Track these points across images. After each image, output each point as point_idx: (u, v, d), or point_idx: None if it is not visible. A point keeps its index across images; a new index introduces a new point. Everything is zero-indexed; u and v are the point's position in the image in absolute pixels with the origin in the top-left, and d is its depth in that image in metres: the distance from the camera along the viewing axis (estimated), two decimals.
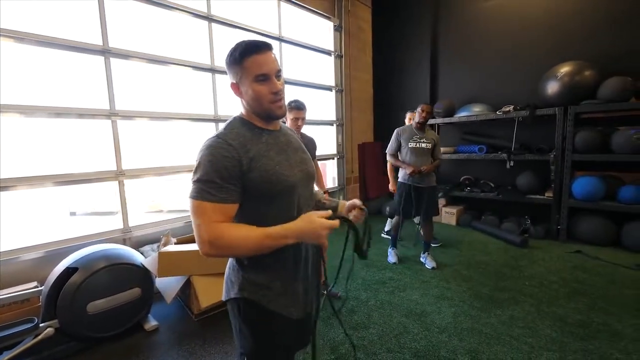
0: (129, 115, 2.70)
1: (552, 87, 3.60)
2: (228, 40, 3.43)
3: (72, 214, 3.48)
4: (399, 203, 3.05)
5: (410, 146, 2.96)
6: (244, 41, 0.88)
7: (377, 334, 2.08)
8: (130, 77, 2.75)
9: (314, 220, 0.82)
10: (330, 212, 0.89)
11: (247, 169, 0.85)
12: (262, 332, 0.95)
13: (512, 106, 3.98)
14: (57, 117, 2.40)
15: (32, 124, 2.37)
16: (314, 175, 1.04)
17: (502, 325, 2.12)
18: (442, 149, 4.47)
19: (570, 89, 3.48)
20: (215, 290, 2.20)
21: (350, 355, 1.88)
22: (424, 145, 2.96)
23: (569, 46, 3.87)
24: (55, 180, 2.37)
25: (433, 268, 3.05)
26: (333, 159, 5.09)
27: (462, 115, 4.39)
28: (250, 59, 0.85)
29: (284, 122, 2.25)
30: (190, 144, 3.20)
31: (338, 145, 5.07)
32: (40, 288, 2.06)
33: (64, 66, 2.43)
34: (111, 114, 2.59)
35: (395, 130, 3.07)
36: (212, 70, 3.29)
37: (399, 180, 3.11)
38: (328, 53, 4.82)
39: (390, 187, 3.36)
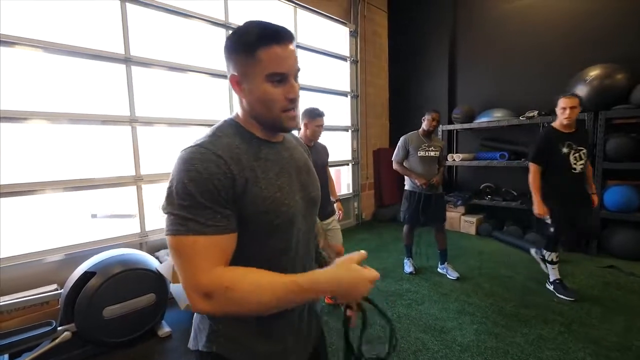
0: (148, 122, 2.75)
1: (580, 92, 3.42)
2: None
3: (94, 216, 3.58)
4: (408, 211, 3.00)
5: (419, 155, 2.90)
6: (256, 22, 0.65)
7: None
8: (149, 84, 2.80)
9: (356, 270, 0.63)
10: (363, 252, 0.68)
11: (241, 191, 0.64)
12: None
13: (537, 111, 3.81)
14: (81, 123, 2.47)
15: (56, 130, 2.44)
16: (318, 201, 0.83)
17: (530, 346, 1.98)
18: (461, 156, 4.35)
19: (600, 93, 3.30)
20: None
21: None
22: (432, 153, 2.92)
23: (597, 48, 3.68)
24: (77, 184, 2.42)
25: (458, 278, 2.93)
26: (348, 165, 5.03)
27: (482, 120, 4.24)
28: (267, 50, 0.63)
29: (298, 130, 2.22)
30: None
31: (353, 151, 5.01)
32: (59, 291, 2.10)
33: (85, 74, 2.50)
34: (132, 120, 2.64)
35: (402, 138, 2.99)
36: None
37: (406, 188, 3.06)
38: (344, 59, 4.80)
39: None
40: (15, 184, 2.20)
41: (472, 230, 4.34)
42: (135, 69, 2.65)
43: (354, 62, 4.87)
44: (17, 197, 2.23)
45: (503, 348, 1.97)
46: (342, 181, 5.23)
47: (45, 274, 2.28)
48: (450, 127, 4.60)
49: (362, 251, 0.69)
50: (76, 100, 2.46)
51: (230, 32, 0.70)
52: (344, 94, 4.83)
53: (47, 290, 2.16)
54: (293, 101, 0.69)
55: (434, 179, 2.86)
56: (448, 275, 3.00)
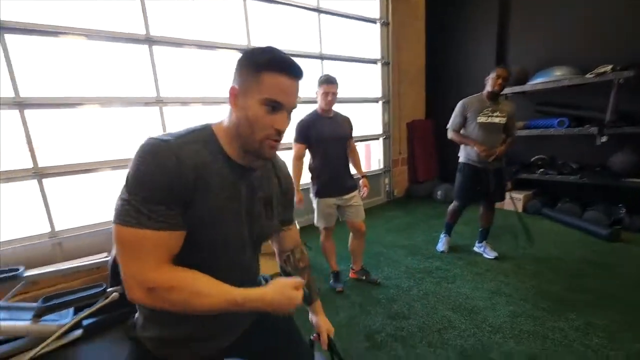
0: (173, 102, 2.85)
1: None
2: (265, 17, 3.37)
3: None
4: (461, 186, 2.66)
5: (479, 121, 2.45)
6: (275, 50, 0.68)
7: (418, 325, 1.90)
8: (174, 64, 2.86)
9: (283, 292, 0.69)
10: (301, 280, 0.73)
11: (189, 199, 0.64)
12: None
13: (610, 66, 3.18)
14: (129, 106, 2.64)
15: (106, 113, 2.63)
16: (267, 236, 0.86)
17: (575, 332, 1.76)
18: None
19: None
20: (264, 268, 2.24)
21: (386, 344, 1.75)
22: (496, 119, 2.44)
23: None
24: (124, 164, 2.62)
25: (496, 258, 2.68)
26: (378, 139, 4.79)
27: (537, 82, 3.70)
28: (272, 76, 0.65)
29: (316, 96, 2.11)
30: None
31: (384, 124, 4.74)
32: (107, 258, 2.34)
33: (112, 56, 2.61)
34: (157, 101, 2.75)
35: (460, 102, 2.55)
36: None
37: (461, 160, 2.68)
38: (372, 21, 4.41)
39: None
40: (75, 164, 2.48)
41: (519, 207, 3.94)
42: (157, 49, 2.72)
43: (385, 25, 4.45)
44: (78, 175, 2.50)
45: (542, 332, 1.77)
46: (373, 157, 5.04)
47: (100, 244, 2.54)
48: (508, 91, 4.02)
49: (298, 279, 0.74)
50: (101, 84, 2.59)
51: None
52: (373, 61, 4.51)
53: (99, 257, 2.42)
54: (279, 133, 0.70)
55: (498, 150, 2.45)
56: (485, 255, 2.77)
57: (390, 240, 3.28)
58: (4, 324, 1.71)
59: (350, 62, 4.25)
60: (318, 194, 2.20)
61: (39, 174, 2.32)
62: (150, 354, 0.77)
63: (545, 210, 3.69)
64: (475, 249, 2.88)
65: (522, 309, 2.01)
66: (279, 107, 0.67)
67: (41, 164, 2.33)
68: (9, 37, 2.14)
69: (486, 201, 2.68)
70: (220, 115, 0.75)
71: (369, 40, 4.48)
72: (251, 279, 0.87)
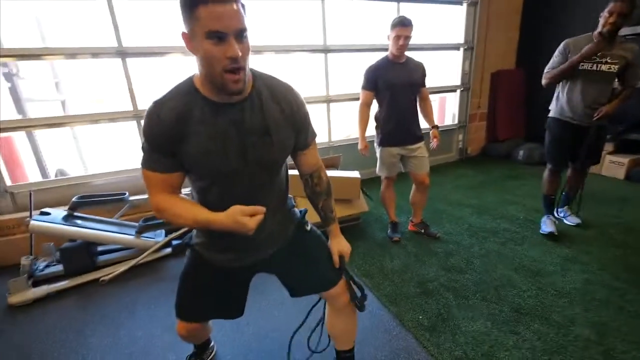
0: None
1: None
2: None
3: None
4: (553, 146, 2.28)
5: (582, 68, 2.01)
6: None
7: (474, 280, 1.92)
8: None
9: (239, 222, 0.77)
10: (258, 208, 0.79)
11: (177, 147, 0.79)
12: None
13: None
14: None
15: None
16: (267, 163, 0.87)
17: None
18: None
19: None
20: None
21: (437, 292, 1.84)
22: (605, 67, 1.99)
23: None
24: None
25: (578, 225, 2.43)
26: (455, 91, 4.38)
27: None
28: (204, 8, 0.65)
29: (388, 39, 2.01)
30: None
31: (464, 74, 4.28)
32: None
33: None
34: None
35: (564, 42, 2.10)
36: (325, 50, 3.35)
37: (551, 115, 2.28)
38: None
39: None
40: None
41: (621, 173, 3.37)
42: None
43: None
44: None
45: (617, 303, 1.65)
46: (447, 110, 4.68)
47: (186, 180, 3.02)
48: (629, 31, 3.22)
49: (258, 207, 0.79)
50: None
51: None
52: (459, 1, 3.97)
53: (185, 190, 2.87)
54: (234, 60, 0.69)
55: (606, 108, 2.02)
56: (565, 221, 2.52)
57: (457, 199, 3.17)
58: (117, 235, 2.22)
59: (430, 4, 3.81)
60: (382, 143, 2.22)
61: (138, 115, 2.77)
62: (200, 256, 1.01)
63: None
64: (558, 214, 2.58)
65: (598, 277, 1.86)
66: (223, 35, 0.67)
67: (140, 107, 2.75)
68: None
69: (579, 164, 2.29)
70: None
71: None
72: (272, 199, 0.95)
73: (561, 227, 2.46)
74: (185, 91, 0.78)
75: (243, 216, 0.77)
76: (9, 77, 2.95)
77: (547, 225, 2.37)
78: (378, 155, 2.28)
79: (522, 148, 4.23)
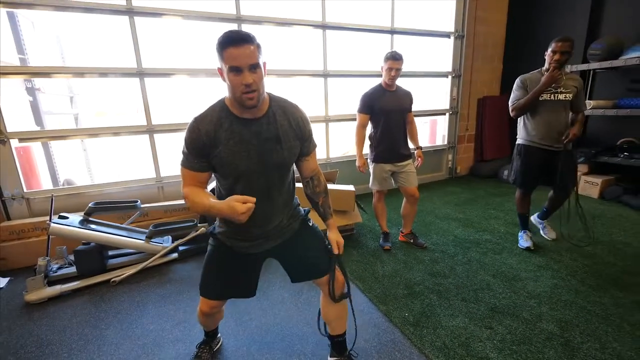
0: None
1: None
2: None
3: None
4: (521, 171, 2.46)
5: (542, 98, 2.25)
6: (226, 32, 0.95)
7: (456, 284, 2.12)
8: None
9: (232, 206, 0.94)
10: (251, 198, 0.96)
11: (210, 153, 1.03)
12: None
13: None
14: (213, 76, 3.13)
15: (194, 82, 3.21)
16: (280, 164, 1.11)
17: (618, 308, 1.80)
18: (592, 103, 3.53)
19: None
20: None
21: (422, 294, 2.03)
22: (562, 96, 2.24)
23: None
24: None
25: (553, 240, 2.66)
26: (444, 114, 4.72)
27: (633, 56, 3.26)
28: (227, 51, 0.92)
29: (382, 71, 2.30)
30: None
31: (452, 99, 4.64)
32: None
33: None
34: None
35: (519, 78, 2.35)
36: (325, 75, 3.66)
37: (521, 142, 2.47)
38: None
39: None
40: (176, 123, 3.12)
41: (595, 192, 3.65)
42: (245, 27, 3.15)
43: None
44: (179, 133, 3.14)
45: (580, 304, 1.86)
46: (438, 132, 4.99)
47: None
48: (584, 66, 3.69)
49: (251, 198, 0.96)
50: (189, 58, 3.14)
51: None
52: (446, 34, 4.38)
53: None
54: (248, 86, 0.94)
55: (572, 132, 2.23)
56: (542, 233, 2.76)
57: (445, 213, 3.41)
58: (129, 240, 2.40)
59: (421, 37, 4.21)
60: (375, 160, 2.48)
61: (151, 130, 3.01)
62: (222, 243, 1.22)
63: (624, 197, 3.38)
64: (533, 219, 2.79)
65: (566, 283, 2.07)
66: (240, 69, 0.93)
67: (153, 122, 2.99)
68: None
69: (558, 190, 2.46)
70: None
71: (442, 13, 4.35)
72: (282, 195, 1.18)
73: (538, 238, 2.69)
74: (219, 109, 1.04)
75: (236, 203, 0.94)
76: (31, 91, 3.18)
77: (524, 240, 2.58)
78: (371, 170, 2.53)
79: (506, 167, 4.52)
